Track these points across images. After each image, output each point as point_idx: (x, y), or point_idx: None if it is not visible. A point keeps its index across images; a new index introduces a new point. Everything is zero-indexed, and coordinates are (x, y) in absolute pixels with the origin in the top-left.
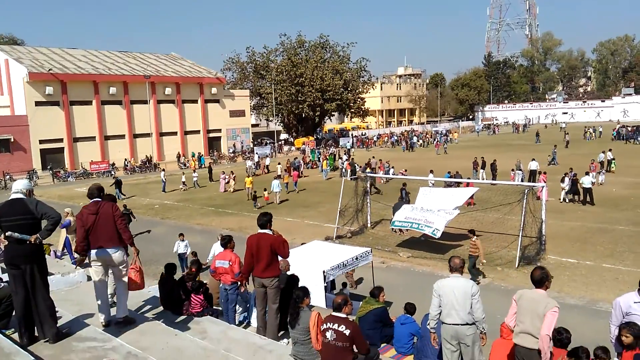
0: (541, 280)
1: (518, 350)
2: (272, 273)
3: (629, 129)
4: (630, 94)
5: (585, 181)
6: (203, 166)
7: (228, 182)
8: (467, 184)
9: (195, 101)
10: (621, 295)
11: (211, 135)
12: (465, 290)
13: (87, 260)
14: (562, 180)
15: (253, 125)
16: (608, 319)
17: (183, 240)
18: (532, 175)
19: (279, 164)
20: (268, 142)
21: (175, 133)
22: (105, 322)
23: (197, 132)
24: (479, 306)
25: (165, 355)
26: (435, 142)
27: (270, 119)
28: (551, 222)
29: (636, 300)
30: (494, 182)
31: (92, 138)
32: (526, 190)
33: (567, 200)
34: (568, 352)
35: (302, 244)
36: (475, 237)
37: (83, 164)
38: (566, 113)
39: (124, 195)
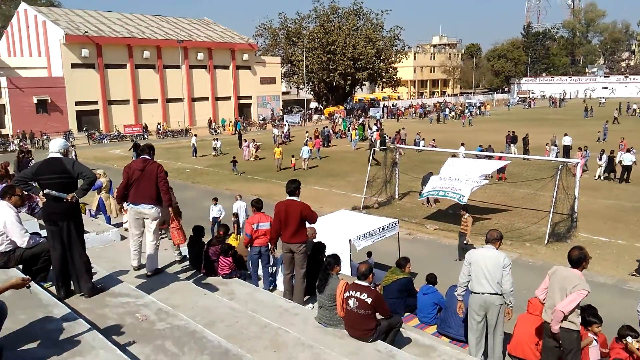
0: (579, 260)
1: (547, 328)
2: (300, 239)
3: None
4: None
5: (626, 158)
6: (240, 131)
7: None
8: (499, 158)
9: (226, 67)
10: None
11: (242, 101)
12: (497, 261)
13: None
14: (600, 158)
15: (283, 93)
16: (638, 299)
17: (217, 205)
18: (566, 150)
19: (307, 132)
20: (298, 110)
21: (206, 99)
22: (136, 266)
23: (228, 98)
24: (509, 279)
25: (194, 313)
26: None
27: (301, 87)
28: (584, 200)
29: None
30: (526, 156)
31: (126, 101)
32: (560, 167)
33: (602, 178)
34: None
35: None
36: (467, 214)
37: (117, 126)
38: (606, 88)
39: None
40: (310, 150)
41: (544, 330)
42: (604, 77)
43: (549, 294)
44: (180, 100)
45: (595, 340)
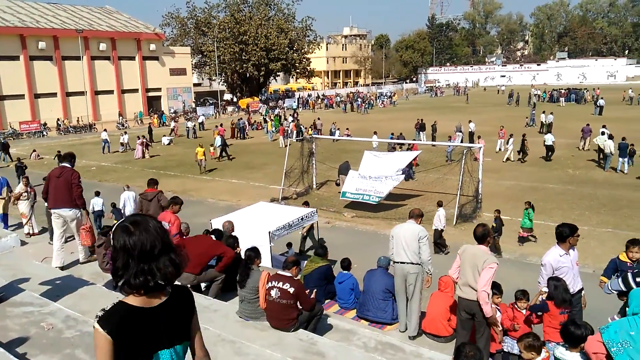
0: (483, 236)
1: (460, 302)
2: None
3: (562, 91)
4: (564, 58)
5: (548, 139)
6: (165, 124)
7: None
8: (410, 146)
9: (132, 58)
10: (546, 253)
11: (150, 94)
12: (414, 234)
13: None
14: (508, 142)
15: (195, 85)
16: (538, 271)
17: (99, 197)
18: (471, 136)
19: (221, 124)
20: (211, 102)
21: (111, 92)
22: (60, 266)
23: (136, 90)
24: (426, 249)
25: None
26: (380, 102)
27: (213, 78)
28: (487, 182)
29: (561, 254)
30: (434, 143)
31: (21, 96)
32: (464, 151)
33: (511, 159)
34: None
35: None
36: (441, 208)
37: (12, 123)
38: (504, 76)
39: (11, 159)
40: (222, 137)
41: (459, 305)
42: (502, 66)
43: (462, 272)
44: (82, 93)
45: (498, 309)
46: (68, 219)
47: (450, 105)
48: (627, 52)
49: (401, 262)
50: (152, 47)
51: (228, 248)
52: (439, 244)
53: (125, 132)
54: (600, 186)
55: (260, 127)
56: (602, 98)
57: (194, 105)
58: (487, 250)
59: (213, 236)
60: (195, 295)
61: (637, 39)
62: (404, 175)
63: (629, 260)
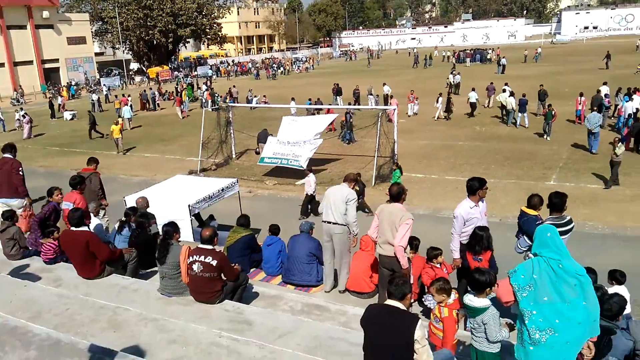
0: (398, 194)
1: (381, 260)
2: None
3: (467, 52)
4: (469, 20)
5: (472, 96)
6: (75, 97)
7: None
8: (328, 111)
9: (24, 27)
10: (458, 205)
11: (47, 65)
12: (343, 195)
13: None
14: (437, 101)
15: (97, 54)
16: (450, 224)
17: None
18: (385, 99)
19: (129, 95)
20: (117, 72)
21: (1, 64)
22: None
23: (30, 62)
24: (352, 211)
25: (14, 308)
26: (296, 68)
27: (117, 46)
28: (402, 142)
29: (471, 206)
30: (350, 107)
31: None
32: (380, 114)
33: (436, 118)
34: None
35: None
36: (311, 174)
37: None
38: (414, 39)
39: None
40: (132, 107)
41: (379, 262)
42: (412, 28)
43: (380, 231)
44: None
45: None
46: (16, 208)
47: (364, 69)
48: (525, 12)
49: (328, 222)
50: (46, 14)
51: (103, 248)
52: (312, 208)
53: (22, 108)
54: (504, 141)
55: (172, 97)
56: (504, 57)
57: (97, 76)
58: (403, 207)
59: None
60: (113, 276)
61: (534, 0)
62: (321, 140)
63: (535, 213)
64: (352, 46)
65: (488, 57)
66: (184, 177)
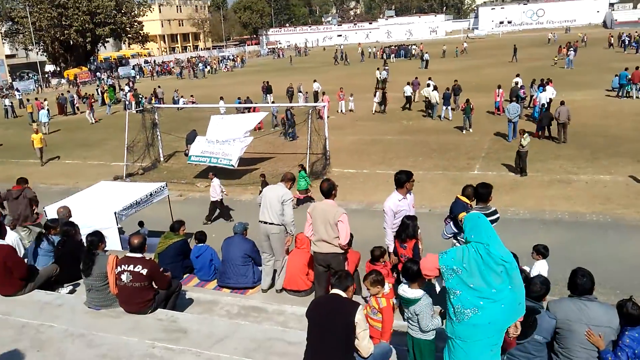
0: (329, 190)
1: (316, 257)
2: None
3: (392, 48)
4: (392, 16)
5: (407, 90)
6: None
7: None
8: (254, 109)
9: None
10: (387, 199)
11: None
12: (278, 196)
13: None
14: (375, 95)
15: (8, 57)
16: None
17: None
18: (316, 96)
19: (45, 99)
20: (31, 75)
21: None
22: None
23: None
24: (288, 211)
25: None
26: (224, 66)
27: (30, 47)
28: (333, 138)
29: (400, 198)
30: (279, 104)
31: None
32: (310, 111)
33: (374, 112)
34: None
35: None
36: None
37: None
38: (340, 35)
39: None
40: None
41: (314, 260)
42: (338, 25)
43: (314, 229)
44: None
45: None
46: None
47: (293, 66)
48: (444, 8)
49: (264, 222)
50: None
51: (21, 264)
52: (223, 213)
53: None
54: (430, 134)
55: (94, 100)
56: (426, 53)
57: (9, 80)
58: (335, 203)
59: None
60: (35, 292)
61: None
62: (251, 138)
63: (469, 202)
64: (280, 44)
65: (412, 52)
66: (109, 183)
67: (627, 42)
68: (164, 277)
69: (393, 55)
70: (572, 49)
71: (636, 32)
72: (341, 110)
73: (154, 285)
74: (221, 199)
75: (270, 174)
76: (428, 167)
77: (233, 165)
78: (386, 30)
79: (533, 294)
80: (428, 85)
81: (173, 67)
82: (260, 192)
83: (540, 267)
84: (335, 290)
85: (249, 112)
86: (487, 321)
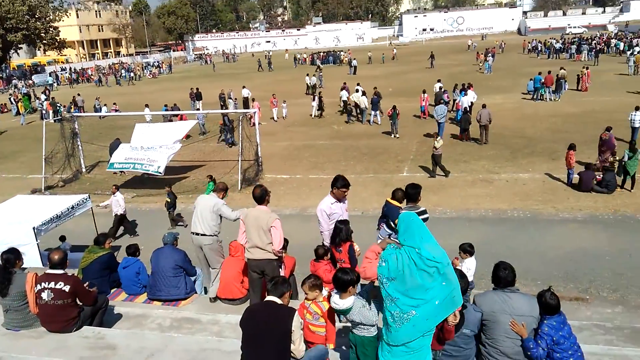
0: (261, 197)
1: (250, 264)
2: None
3: (321, 54)
4: (320, 23)
5: (343, 95)
6: None
7: None
8: (182, 117)
9: None
10: (320, 202)
11: None
12: (210, 205)
13: None
14: (313, 99)
15: None
16: (317, 221)
17: None
18: (245, 102)
19: None
20: None
21: None
22: None
23: None
24: (228, 212)
25: None
26: (148, 73)
27: None
28: (265, 144)
29: (332, 202)
30: (209, 111)
31: None
32: (240, 117)
33: (313, 116)
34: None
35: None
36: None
37: None
38: (269, 41)
39: None
40: None
41: (249, 267)
42: (266, 31)
43: (248, 236)
44: None
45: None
46: None
47: (220, 72)
48: (370, 16)
49: (196, 234)
50: None
51: None
52: (126, 228)
53: None
54: (360, 138)
55: (6, 110)
56: (354, 59)
57: None
58: (268, 209)
59: None
60: None
61: (377, 4)
62: (180, 145)
63: (400, 205)
64: (207, 49)
65: (341, 59)
66: (26, 197)
67: (539, 49)
68: (88, 292)
69: (319, 61)
70: (490, 55)
71: (547, 39)
72: (274, 118)
73: (78, 302)
74: (124, 214)
75: (201, 182)
76: (359, 170)
77: (160, 173)
78: (314, 36)
79: None
80: (357, 91)
81: (92, 75)
82: (168, 202)
83: (469, 264)
84: (270, 297)
85: (177, 120)
86: (424, 318)
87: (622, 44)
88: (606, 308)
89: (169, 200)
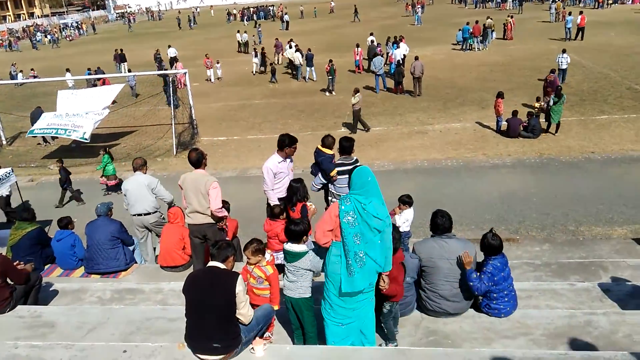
0: (198, 160)
1: (191, 229)
2: None
3: (252, 9)
4: None
5: (289, 52)
6: None
7: None
8: (104, 82)
9: None
10: (267, 159)
11: None
12: (144, 185)
13: None
14: (255, 55)
15: None
16: (259, 183)
17: None
18: (172, 62)
19: None
20: None
21: None
22: None
23: None
24: (163, 192)
25: None
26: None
27: None
28: (199, 106)
29: (279, 160)
30: (137, 73)
31: None
32: (169, 78)
33: (254, 73)
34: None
35: None
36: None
37: None
38: None
39: None
40: None
41: (190, 232)
42: None
43: (187, 201)
44: None
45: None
46: None
47: (148, 32)
48: None
49: (138, 215)
50: None
51: None
52: (75, 195)
53: None
54: (297, 95)
55: None
56: (286, 14)
57: None
58: (205, 172)
59: None
60: None
61: None
62: (108, 111)
63: (330, 151)
64: (129, 7)
65: (272, 14)
66: None
67: None
68: (18, 271)
69: (245, 18)
70: (418, 6)
71: None
72: (210, 79)
73: (9, 282)
74: (7, 195)
75: (134, 149)
76: (298, 128)
77: (86, 139)
78: None
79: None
80: (290, 47)
81: (2, 40)
82: (60, 179)
83: (407, 215)
84: (213, 263)
85: (101, 84)
86: (373, 268)
87: None
88: (535, 246)
89: (61, 177)
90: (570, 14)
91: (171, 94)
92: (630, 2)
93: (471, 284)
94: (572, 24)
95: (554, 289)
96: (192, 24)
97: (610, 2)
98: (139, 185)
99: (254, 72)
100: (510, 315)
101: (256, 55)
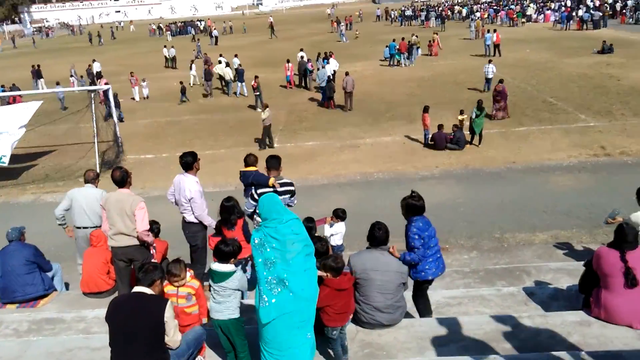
0: (122, 179)
1: (116, 252)
2: None
3: (179, 25)
4: None
5: (219, 68)
6: None
7: None
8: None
9: None
10: (189, 185)
11: None
12: (95, 197)
13: None
14: (191, 68)
15: None
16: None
17: None
18: (97, 77)
19: None
20: None
21: None
22: None
23: None
24: None
25: None
26: None
27: None
28: (125, 123)
29: (197, 180)
30: (56, 90)
31: None
32: (92, 95)
33: (192, 85)
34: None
35: None
36: None
37: None
38: (119, 11)
39: None
40: None
41: (114, 255)
42: (115, 0)
43: (111, 222)
44: None
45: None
46: None
47: (67, 46)
48: None
49: (85, 227)
50: None
51: None
52: None
53: None
54: (228, 111)
55: None
56: (215, 29)
57: None
58: (130, 192)
59: None
60: None
61: None
62: (24, 129)
63: (256, 168)
64: (48, 22)
65: (199, 29)
66: None
67: (392, 16)
68: None
69: (169, 33)
70: (342, 24)
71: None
72: (135, 97)
73: None
74: None
75: (53, 169)
76: (230, 144)
77: (4, 163)
78: (170, 5)
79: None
80: (220, 62)
81: None
82: None
83: (338, 228)
84: (138, 288)
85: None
86: (300, 288)
87: (464, 11)
88: (463, 254)
89: None
90: (489, 31)
91: (113, 108)
92: (542, 20)
93: (409, 258)
94: (490, 40)
95: (482, 295)
96: (102, 40)
97: (524, 20)
98: (91, 198)
99: (191, 84)
100: (436, 276)
101: (191, 69)
